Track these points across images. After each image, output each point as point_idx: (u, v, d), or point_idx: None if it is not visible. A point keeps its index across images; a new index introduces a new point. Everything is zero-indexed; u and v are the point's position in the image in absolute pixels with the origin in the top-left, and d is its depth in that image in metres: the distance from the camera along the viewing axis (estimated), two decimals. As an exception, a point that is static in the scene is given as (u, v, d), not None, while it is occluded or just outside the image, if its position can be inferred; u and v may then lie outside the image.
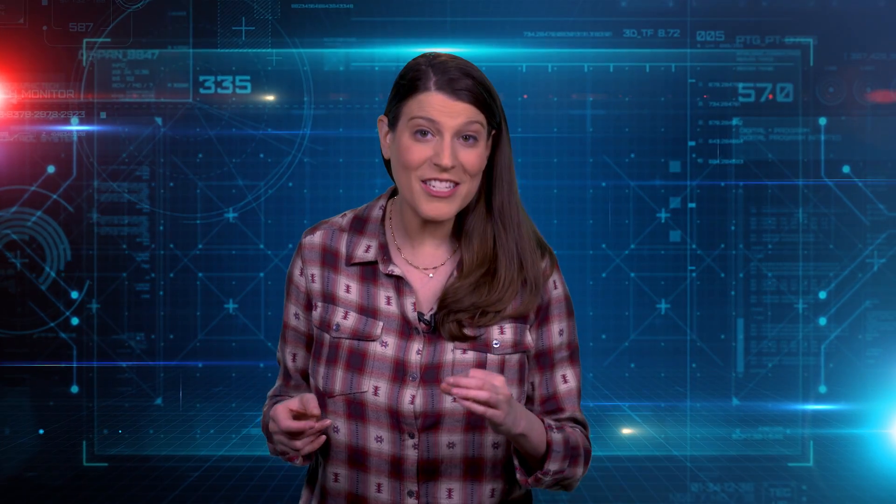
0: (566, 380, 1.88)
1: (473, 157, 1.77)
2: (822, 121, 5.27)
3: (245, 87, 5.28)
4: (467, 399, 1.62)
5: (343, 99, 5.31)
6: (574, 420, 1.88)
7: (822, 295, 5.24)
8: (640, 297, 5.32)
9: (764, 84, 5.28)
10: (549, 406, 1.87)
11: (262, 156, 5.29)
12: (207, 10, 5.23)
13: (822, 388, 5.23)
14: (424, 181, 1.76)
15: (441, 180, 1.76)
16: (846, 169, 5.26)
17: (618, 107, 5.31)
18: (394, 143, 1.80)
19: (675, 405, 5.27)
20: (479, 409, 1.62)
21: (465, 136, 1.76)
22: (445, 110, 1.74)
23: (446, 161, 1.74)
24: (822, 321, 5.25)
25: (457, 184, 1.77)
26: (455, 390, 1.61)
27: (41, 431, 5.19)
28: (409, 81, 1.77)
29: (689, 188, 5.30)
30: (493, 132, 1.82)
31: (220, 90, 5.27)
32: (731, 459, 5.09)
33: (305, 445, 1.71)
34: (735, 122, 5.26)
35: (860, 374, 5.23)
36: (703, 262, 5.31)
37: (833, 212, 5.24)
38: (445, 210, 1.77)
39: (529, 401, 1.88)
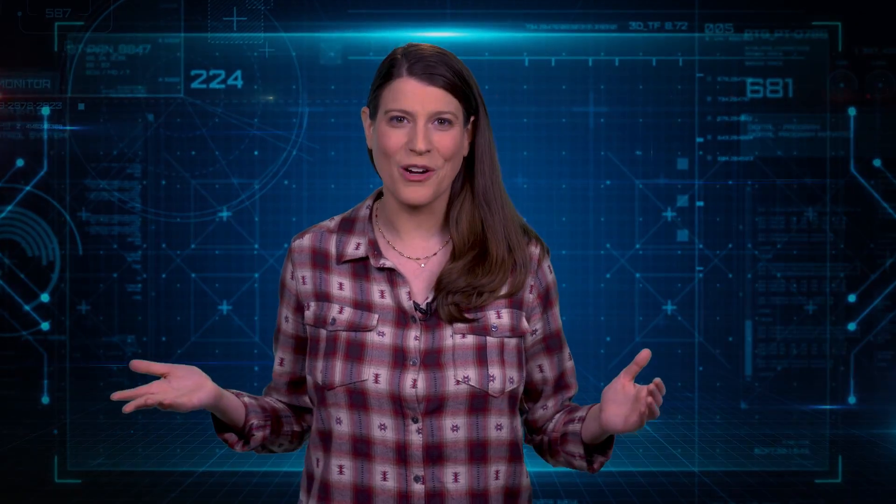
0: (570, 357, 1.99)
1: (448, 139, 1.82)
2: (852, 111, 5.26)
3: (237, 81, 5.22)
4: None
5: (338, 90, 5.25)
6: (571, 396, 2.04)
7: (852, 298, 5.19)
8: (646, 299, 5.30)
9: (774, 78, 5.24)
10: (560, 384, 1.97)
11: (256, 153, 5.25)
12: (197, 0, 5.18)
13: (852, 399, 5.16)
14: (403, 167, 1.82)
15: (417, 166, 1.82)
16: (877, 162, 5.22)
17: (623, 102, 5.27)
18: (374, 131, 1.87)
19: (682, 408, 5.23)
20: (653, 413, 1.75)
21: (440, 120, 1.82)
22: (418, 95, 1.81)
23: (420, 145, 1.80)
24: (852, 326, 5.19)
25: (431, 169, 1.83)
26: (652, 404, 1.72)
27: (55, 432, 5.09)
28: (385, 70, 1.86)
29: (696, 186, 5.25)
30: (473, 118, 1.89)
31: (212, 85, 5.21)
32: (752, 475, 5.01)
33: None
34: (744, 117, 5.23)
35: (871, 378, 5.18)
36: (711, 262, 5.25)
37: (842, 210, 5.20)
38: (423, 194, 1.83)
39: (533, 384, 1.95)
